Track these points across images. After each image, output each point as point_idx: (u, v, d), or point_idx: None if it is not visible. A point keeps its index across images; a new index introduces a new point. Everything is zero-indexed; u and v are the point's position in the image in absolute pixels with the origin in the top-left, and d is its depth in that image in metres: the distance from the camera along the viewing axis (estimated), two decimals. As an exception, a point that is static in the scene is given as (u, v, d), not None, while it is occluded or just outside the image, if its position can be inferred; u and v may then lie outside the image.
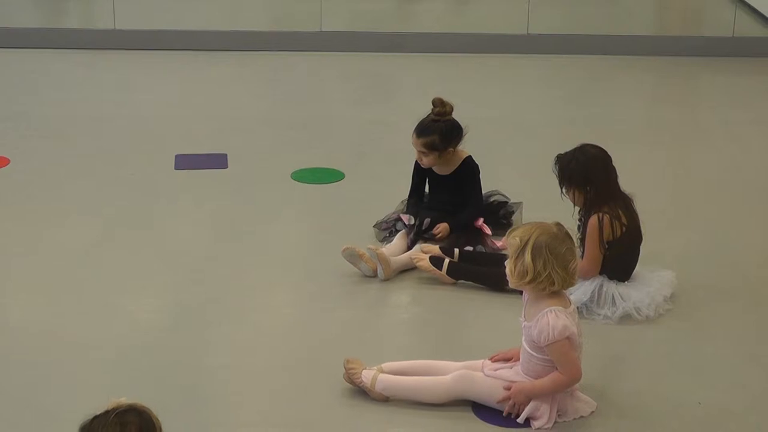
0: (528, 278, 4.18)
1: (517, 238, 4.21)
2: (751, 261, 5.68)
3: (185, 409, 4.24)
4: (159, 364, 4.63)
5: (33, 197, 6.30)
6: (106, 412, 3.07)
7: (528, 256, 4.15)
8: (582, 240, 5.09)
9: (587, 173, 5.03)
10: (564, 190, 5.10)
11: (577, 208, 5.14)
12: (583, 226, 5.11)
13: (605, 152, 5.10)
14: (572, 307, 4.27)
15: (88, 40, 9.13)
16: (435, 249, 5.41)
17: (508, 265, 4.24)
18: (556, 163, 5.11)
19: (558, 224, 4.26)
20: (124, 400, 3.11)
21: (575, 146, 5.13)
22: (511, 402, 4.26)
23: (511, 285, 4.30)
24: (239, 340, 4.85)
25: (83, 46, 9.06)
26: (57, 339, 4.81)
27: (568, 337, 4.16)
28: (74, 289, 5.25)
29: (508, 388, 4.27)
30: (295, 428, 4.23)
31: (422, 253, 5.39)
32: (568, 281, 4.21)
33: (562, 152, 5.13)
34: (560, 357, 4.19)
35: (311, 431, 4.22)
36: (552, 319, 4.15)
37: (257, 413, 4.33)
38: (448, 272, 5.30)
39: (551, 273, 4.15)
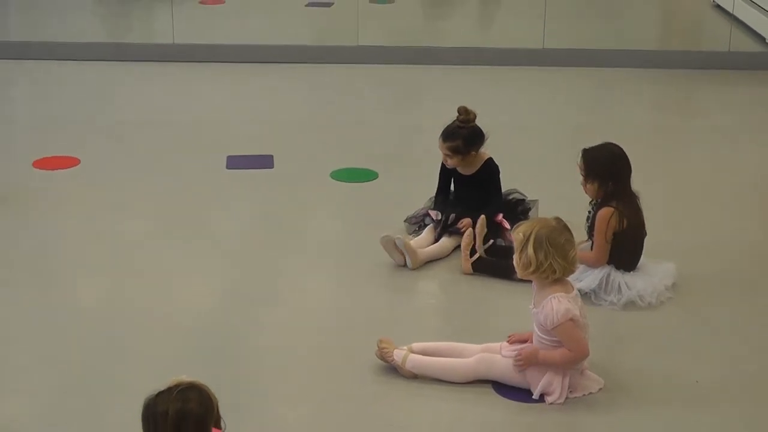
0: (532, 268, 4.18)
1: (521, 233, 4.22)
2: (745, 254, 5.63)
3: (231, 383, 4.25)
4: (209, 342, 4.65)
5: (100, 193, 6.32)
6: (169, 389, 3.04)
7: (531, 249, 4.15)
8: (590, 228, 5.07)
9: (612, 169, 5.00)
10: (588, 182, 5.06)
11: (590, 200, 5.11)
12: (592, 218, 5.08)
13: (624, 152, 5.06)
14: (574, 292, 4.26)
15: (149, 53, 9.14)
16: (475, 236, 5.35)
17: (515, 258, 4.25)
18: (582, 156, 5.06)
19: (557, 218, 4.25)
20: (185, 377, 3.09)
21: (600, 143, 5.09)
22: (518, 355, 4.24)
23: (519, 275, 4.30)
24: (282, 322, 4.85)
25: (145, 59, 9.07)
26: (121, 319, 4.84)
27: (571, 319, 4.15)
28: (135, 275, 5.28)
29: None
30: (332, 400, 4.24)
31: (472, 239, 5.32)
32: (569, 269, 4.21)
33: (588, 146, 5.08)
34: (567, 337, 4.18)
35: (346, 403, 4.23)
36: (555, 304, 4.15)
37: (297, 387, 4.34)
38: (472, 264, 5.29)
39: (552, 263, 4.15)
